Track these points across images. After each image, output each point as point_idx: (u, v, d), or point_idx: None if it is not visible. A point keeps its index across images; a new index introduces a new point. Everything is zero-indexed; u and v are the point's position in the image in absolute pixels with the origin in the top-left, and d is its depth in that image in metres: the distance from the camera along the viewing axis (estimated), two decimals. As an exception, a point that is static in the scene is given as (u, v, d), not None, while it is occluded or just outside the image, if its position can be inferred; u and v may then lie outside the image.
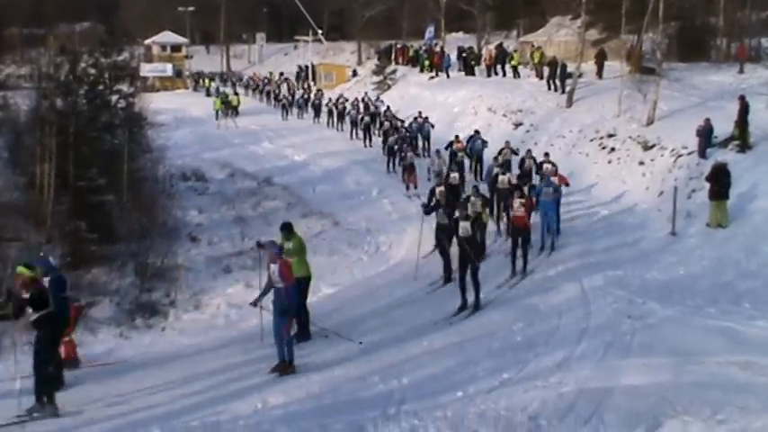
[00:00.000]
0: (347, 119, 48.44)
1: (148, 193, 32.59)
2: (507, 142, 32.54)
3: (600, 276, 20.52)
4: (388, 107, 47.25)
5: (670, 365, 13.65)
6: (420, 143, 39.80)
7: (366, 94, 52.56)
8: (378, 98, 52.37)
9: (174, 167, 37.74)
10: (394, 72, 60.25)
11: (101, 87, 32.61)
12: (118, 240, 28.15)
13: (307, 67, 73.99)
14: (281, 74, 74.21)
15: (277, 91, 65.29)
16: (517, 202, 22.46)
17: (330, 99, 54.07)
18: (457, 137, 34.79)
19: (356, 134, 45.83)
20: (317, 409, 12.90)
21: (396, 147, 36.90)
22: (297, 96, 60.76)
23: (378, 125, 44.52)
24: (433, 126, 40.36)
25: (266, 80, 71.43)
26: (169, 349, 18.95)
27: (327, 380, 14.50)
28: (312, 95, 59.50)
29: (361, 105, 49.28)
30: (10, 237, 26.71)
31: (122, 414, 12.93)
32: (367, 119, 44.76)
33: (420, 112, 42.06)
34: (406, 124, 41.62)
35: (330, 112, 51.78)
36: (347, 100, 52.12)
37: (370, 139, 43.76)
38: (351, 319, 19.40)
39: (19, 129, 33.33)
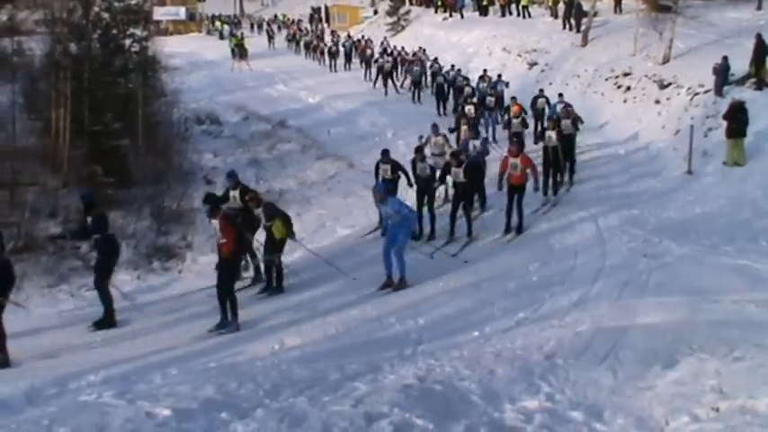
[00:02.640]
0: (398, 76, 43.47)
1: (163, 137, 32.57)
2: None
3: (615, 216, 20.57)
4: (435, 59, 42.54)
5: (686, 304, 13.70)
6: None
7: (420, 48, 46.84)
8: (423, 50, 46.10)
9: (189, 111, 37.61)
10: (408, 13, 59.83)
11: (114, 31, 32.46)
12: (134, 184, 28.17)
13: (319, 8, 73.40)
14: (282, 16, 73.48)
15: (316, 41, 56.79)
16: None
17: (388, 51, 47.24)
18: (513, 98, 30.07)
19: (418, 96, 40.11)
20: (333, 349, 13.00)
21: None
22: (344, 44, 52.48)
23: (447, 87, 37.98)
24: (507, 85, 35.28)
25: (303, 28, 64.95)
26: (186, 292, 19.04)
27: (344, 321, 14.60)
28: (361, 45, 51.10)
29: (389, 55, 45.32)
30: (27, 181, 26.80)
31: (142, 355, 13.04)
32: (440, 80, 38.05)
33: (485, 70, 37.33)
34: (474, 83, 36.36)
35: (380, 69, 43.24)
36: (399, 54, 46.05)
37: (444, 106, 37.12)
38: (366, 259, 19.46)
39: (33, 74, 33.21)
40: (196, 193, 28.25)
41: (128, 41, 32.78)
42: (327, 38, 57.79)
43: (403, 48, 47.53)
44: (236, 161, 32.19)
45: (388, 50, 47.37)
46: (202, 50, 59.69)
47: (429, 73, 41.24)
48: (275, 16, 75.86)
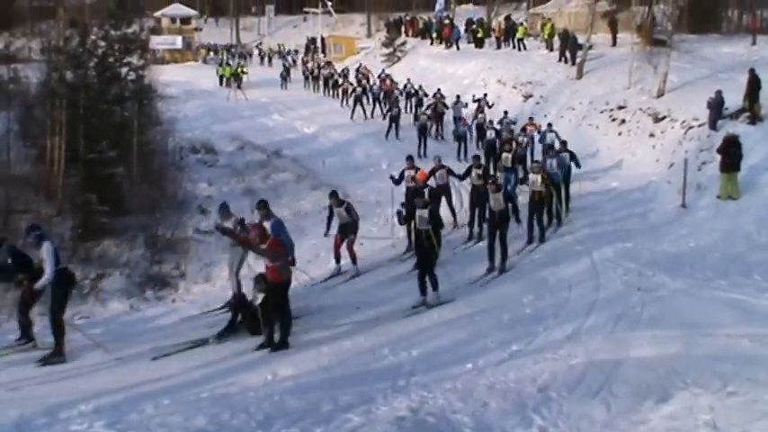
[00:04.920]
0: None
1: (158, 166, 32.67)
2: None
3: (610, 249, 20.52)
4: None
5: (680, 338, 13.68)
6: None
7: (439, 90, 39.68)
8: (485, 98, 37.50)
9: (184, 140, 37.72)
10: (404, 44, 60.01)
11: (111, 60, 32.63)
12: (128, 213, 28.23)
13: (315, 39, 73.70)
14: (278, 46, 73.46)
15: (342, 80, 50.10)
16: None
17: (411, 92, 42.11)
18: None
19: (464, 152, 32.72)
20: (326, 380, 12.94)
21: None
22: (371, 88, 45.29)
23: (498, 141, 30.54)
24: (561, 140, 28.29)
25: (320, 63, 58.09)
26: (179, 321, 18.97)
27: (337, 352, 14.53)
28: (387, 85, 44.40)
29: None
30: (21, 209, 26.82)
31: (134, 384, 12.97)
32: (491, 134, 31.60)
33: (531, 118, 33.47)
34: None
35: (394, 119, 37.72)
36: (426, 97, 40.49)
37: (495, 166, 28.35)
38: (360, 290, 19.45)
39: (29, 101, 33.38)
40: (190, 222, 28.31)
41: (124, 70, 32.95)
42: (353, 78, 50.23)
43: (438, 90, 39.87)
44: (230, 190, 32.25)
45: (411, 91, 42.34)
46: (198, 79, 59.87)
47: (476, 124, 34.49)
48: (286, 50, 75.22)
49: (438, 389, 11.71)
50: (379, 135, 38.67)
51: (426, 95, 41.02)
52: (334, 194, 22.06)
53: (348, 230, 21.51)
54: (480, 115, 35.20)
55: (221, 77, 58.33)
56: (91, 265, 24.96)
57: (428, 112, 37.55)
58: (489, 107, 36.75)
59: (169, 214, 27.80)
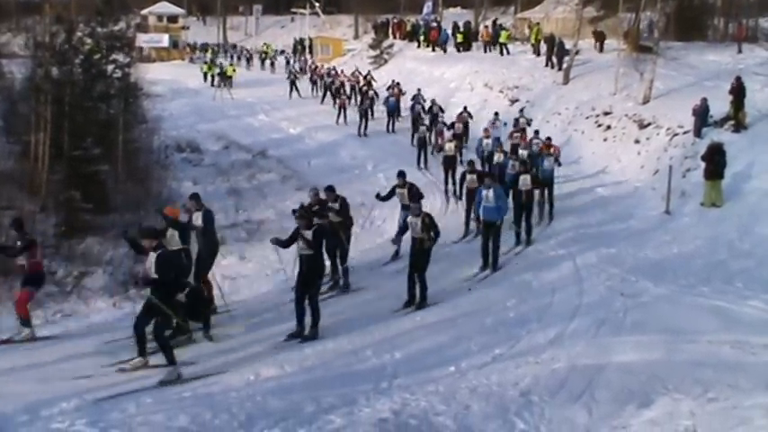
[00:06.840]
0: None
1: (143, 164, 32.50)
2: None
3: (593, 254, 20.59)
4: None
5: (662, 343, 13.74)
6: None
7: (465, 108, 36.53)
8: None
9: (169, 138, 37.61)
10: (391, 46, 60.00)
11: (97, 57, 32.43)
12: (112, 210, 28.06)
13: (303, 39, 73.57)
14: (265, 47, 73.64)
15: (346, 88, 46.89)
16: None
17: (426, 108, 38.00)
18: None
19: None
20: (309, 381, 12.92)
21: None
22: (387, 99, 41.38)
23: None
24: (558, 162, 27.12)
25: (330, 70, 53.27)
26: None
27: (320, 353, 14.51)
28: (395, 92, 41.80)
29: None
30: (4, 205, 26.67)
31: (116, 383, 12.93)
32: (498, 158, 27.43)
33: (549, 138, 28.87)
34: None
35: (422, 143, 33.04)
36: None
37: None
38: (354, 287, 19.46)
39: (14, 97, 33.17)
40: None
41: (110, 67, 32.74)
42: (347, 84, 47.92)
43: (465, 108, 36.53)
44: (215, 190, 32.14)
45: (426, 107, 38.34)
46: (185, 78, 59.85)
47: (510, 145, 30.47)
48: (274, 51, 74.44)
49: (420, 391, 11.72)
50: (364, 138, 38.68)
51: (442, 111, 37.06)
52: (16, 221, 17.28)
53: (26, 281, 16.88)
54: (516, 135, 31.38)
55: (205, 75, 59.00)
56: (74, 262, 24.79)
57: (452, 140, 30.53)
58: (528, 125, 33.58)
59: (153, 213, 27.69)
